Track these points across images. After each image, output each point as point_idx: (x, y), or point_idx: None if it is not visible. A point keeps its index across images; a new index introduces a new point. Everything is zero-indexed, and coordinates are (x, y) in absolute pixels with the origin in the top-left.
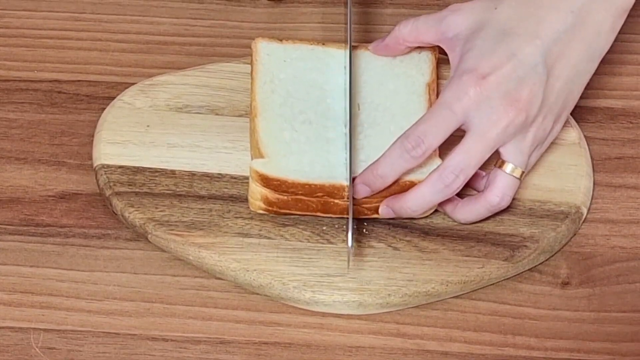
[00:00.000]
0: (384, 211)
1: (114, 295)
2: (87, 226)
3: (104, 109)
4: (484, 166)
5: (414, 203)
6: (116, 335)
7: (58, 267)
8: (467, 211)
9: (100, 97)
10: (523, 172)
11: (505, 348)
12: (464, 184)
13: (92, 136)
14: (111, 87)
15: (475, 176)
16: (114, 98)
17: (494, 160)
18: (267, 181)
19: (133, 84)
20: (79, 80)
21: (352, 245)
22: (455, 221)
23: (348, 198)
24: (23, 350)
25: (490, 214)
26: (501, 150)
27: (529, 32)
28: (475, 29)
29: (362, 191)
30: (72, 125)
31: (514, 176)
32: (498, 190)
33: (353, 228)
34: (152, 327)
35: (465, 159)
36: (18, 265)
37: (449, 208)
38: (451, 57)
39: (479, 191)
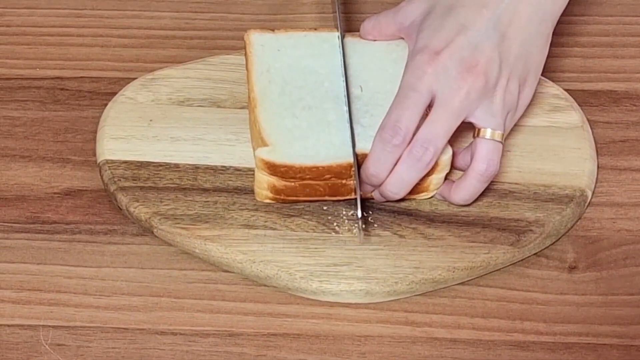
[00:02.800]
0: (375, 196)
1: (122, 291)
2: (93, 222)
3: (106, 104)
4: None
5: (392, 185)
6: (125, 330)
7: (65, 263)
8: (462, 190)
9: (103, 92)
10: (503, 135)
11: (513, 334)
12: (436, 156)
13: (96, 132)
14: (113, 83)
15: (454, 156)
16: (116, 93)
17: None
18: (274, 168)
19: (135, 79)
20: (81, 77)
21: (361, 216)
22: (457, 206)
23: (353, 173)
24: (33, 348)
25: (483, 185)
26: (473, 119)
27: (475, 3)
28: (427, 12)
29: (367, 189)
30: (76, 122)
31: (494, 140)
32: (482, 157)
33: (361, 202)
34: (160, 322)
35: (432, 130)
36: (25, 263)
37: (446, 194)
38: (409, 44)
39: (464, 169)
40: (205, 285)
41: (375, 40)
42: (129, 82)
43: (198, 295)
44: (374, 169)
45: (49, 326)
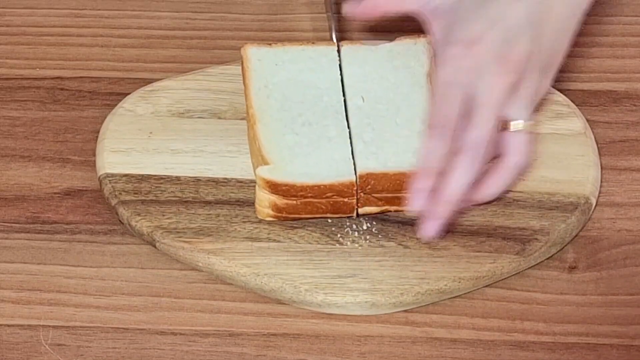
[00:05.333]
0: (429, 229)
1: (121, 291)
2: (93, 222)
3: (106, 104)
4: None
5: (451, 193)
6: (125, 330)
7: (65, 263)
8: (492, 185)
9: (103, 92)
10: (533, 126)
11: (514, 334)
12: (487, 156)
13: (96, 132)
14: (114, 83)
15: None
16: (116, 94)
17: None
18: (275, 187)
19: (135, 79)
20: (81, 77)
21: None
22: (462, 215)
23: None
24: (33, 348)
25: (514, 178)
26: (505, 112)
27: None
28: (458, 0)
29: (418, 201)
30: (76, 122)
31: (527, 131)
32: (516, 149)
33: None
34: (160, 322)
35: (479, 131)
36: (25, 263)
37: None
38: (432, 27)
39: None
40: (205, 285)
41: (379, 14)
42: (129, 82)
43: (198, 295)
44: (427, 163)
45: (49, 326)
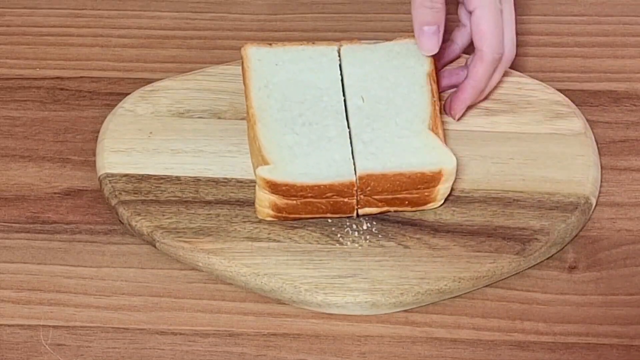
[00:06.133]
0: (458, 109)
1: (122, 291)
2: (93, 222)
3: (106, 104)
4: None
5: (479, 81)
6: (125, 330)
7: (65, 263)
8: (475, 79)
9: (103, 92)
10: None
11: (514, 334)
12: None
13: (96, 132)
14: (113, 83)
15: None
16: (116, 94)
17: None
18: (275, 187)
19: (135, 79)
20: (81, 77)
21: None
22: (478, 99)
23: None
24: (33, 348)
25: (497, 68)
26: None
27: None
28: None
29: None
30: (76, 122)
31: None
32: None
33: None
34: (160, 322)
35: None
36: (25, 262)
37: (448, 105)
38: None
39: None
40: (205, 285)
41: None
42: (129, 83)
43: (198, 295)
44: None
45: (49, 326)
